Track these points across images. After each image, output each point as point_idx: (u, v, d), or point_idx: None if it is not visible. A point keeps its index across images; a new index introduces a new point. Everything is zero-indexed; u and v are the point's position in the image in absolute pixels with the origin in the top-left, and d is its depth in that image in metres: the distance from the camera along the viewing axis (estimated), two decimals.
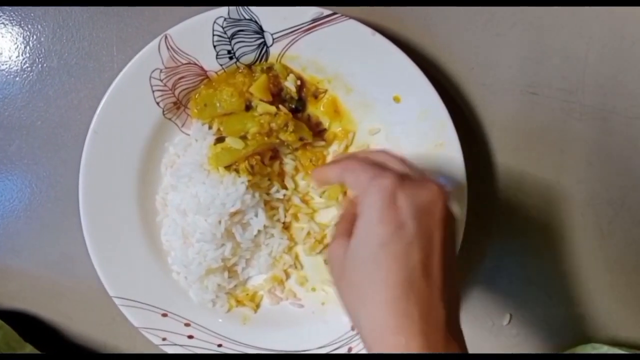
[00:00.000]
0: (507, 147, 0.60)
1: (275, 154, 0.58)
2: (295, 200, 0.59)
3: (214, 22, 0.53)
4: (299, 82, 0.56)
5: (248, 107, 0.55)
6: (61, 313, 0.62)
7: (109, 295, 0.56)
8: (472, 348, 0.63)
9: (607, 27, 0.58)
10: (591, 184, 0.60)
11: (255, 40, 0.54)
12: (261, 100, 0.55)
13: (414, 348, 0.36)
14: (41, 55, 0.59)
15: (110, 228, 0.56)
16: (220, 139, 0.56)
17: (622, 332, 0.62)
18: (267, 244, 0.59)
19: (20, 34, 0.58)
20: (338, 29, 0.53)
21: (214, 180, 0.55)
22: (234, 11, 0.53)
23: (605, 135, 0.59)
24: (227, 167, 0.55)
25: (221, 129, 0.56)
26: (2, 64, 0.59)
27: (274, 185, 0.58)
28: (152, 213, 0.58)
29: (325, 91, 0.57)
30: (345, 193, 0.58)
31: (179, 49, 0.53)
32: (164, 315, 0.57)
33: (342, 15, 0.53)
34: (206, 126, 0.57)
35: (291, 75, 0.56)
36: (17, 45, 0.59)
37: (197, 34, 0.53)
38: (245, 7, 0.53)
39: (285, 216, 0.59)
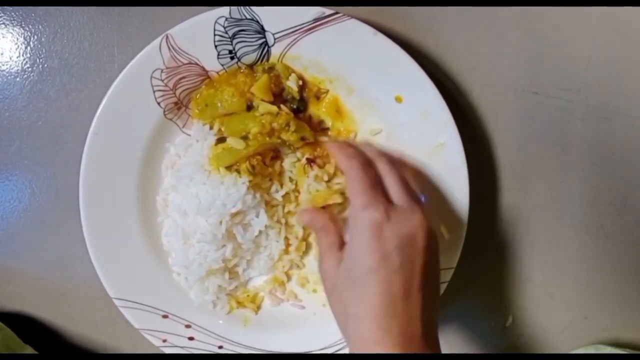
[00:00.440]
0: (509, 147, 0.59)
1: (276, 154, 0.58)
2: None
3: (215, 21, 0.53)
4: (300, 82, 0.56)
5: (249, 107, 0.55)
6: (61, 314, 0.62)
7: (109, 297, 0.56)
8: (474, 349, 0.63)
9: (610, 26, 0.58)
10: (594, 184, 0.60)
11: (256, 40, 0.54)
12: (262, 100, 0.55)
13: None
14: (42, 56, 0.58)
15: (110, 229, 0.56)
16: (221, 139, 0.55)
17: (626, 334, 0.62)
18: (266, 245, 0.59)
19: (21, 34, 0.58)
20: (339, 28, 0.53)
21: (214, 181, 0.54)
22: (235, 11, 0.53)
23: (608, 136, 0.59)
24: (228, 168, 0.55)
25: (222, 129, 0.56)
26: (3, 64, 0.59)
27: (274, 185, 0.58)
28: (152, 214, 0.58)
29: (327, 91, 0.57)
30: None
31: (180, 48, 0.53)
32: (165, 316, 0.57)
33: (343, 15, 0.53)
34: (207, 126, 0.56)
35: (293, 75, 0.56)
36: (18, 46, 0.59)
37: (198, 34, 0.53)
38: (247, 6, 0.52)
39: (282, 214, 0.59)
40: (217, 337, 0.58)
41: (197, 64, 0.54)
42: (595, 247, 0.61)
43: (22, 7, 0.58)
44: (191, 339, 0.58)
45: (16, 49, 0.59)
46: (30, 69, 0.59)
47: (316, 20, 0.53)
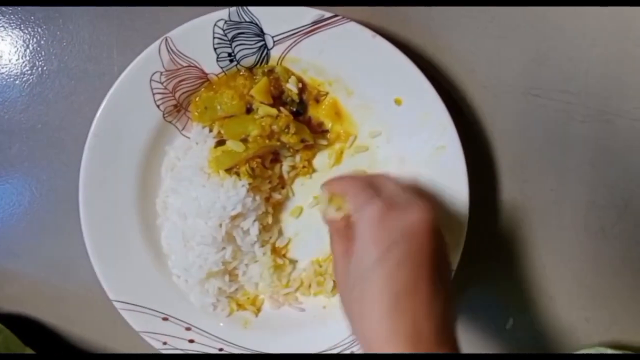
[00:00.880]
0: (509, 149, 0.59)
1: (276, 157, 0.58)
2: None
3: (215, 24, 0.53)
4: (300, 85, 0.56)
5: (249, 110, 0.55)
6: (61, 317, 0.62)
7: (109, 299, 0.56)
8: (475, 351, 0.63)
9: (610, 28, 0.57)
10: (594, 186, 0.60)
11: (255, 43, 0.54)
12: (262, 103, 0.54)
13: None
14: (41, 58, 0.58)
15: (110, 231, 0.56)
16: (220, 142, 0.55)
17: (626, 336, 0.62)
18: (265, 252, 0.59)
19: (20, 37, 0.58)
20: (339, 31, 0.53)
21: (214, 184, 0.54)
22: (234, 13, 0.53)
23: (608, 138, 0.59)
24: (228, 170, 0.55)
25: (222, 131, 0.56)
26: (2, 67, 0.59)
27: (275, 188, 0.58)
28: (152, 216, 0.58)
29: (326, 94, 0.57)
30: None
31: (179, 51, 0.53)
32: (165, 319, 0.57)
33: (342, 18, 0.52)
34: (207, 129, 0.56)
35: (293, 78, 0.55)
36: (17, 48, 0.59)
37: (197, 37, 0.53)
38: (246, 9, 0.52)
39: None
40: (218, 340, 0.58)
41: (196, 66, 0.54)
42: (596, 248, 0.61)
43: (21, 10, 0.58)
44: (191, 341, 0.58)
45: (15, 52, 0.59)
46: (29, 72, 0.59)
47: (315, 23, 0.53)
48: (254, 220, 0.56)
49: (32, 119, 0.59)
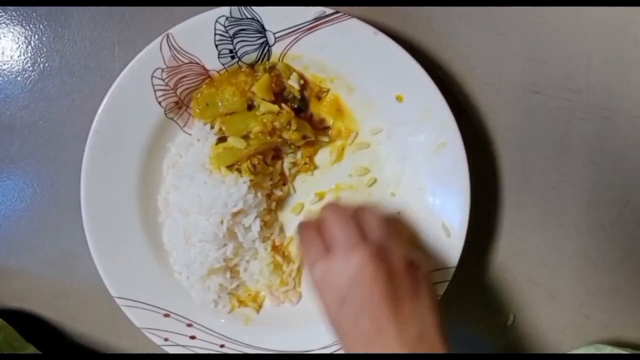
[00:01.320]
0: (510, 147, 0.59)
1: (277, 154, 0.58)
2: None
3: (216, 21, 0.53)
4: (301, 82, 0.56)
5: (250, 107, 0.55)
6: (63, 313, 0.62)
7: (111, 296, 0.56)
8: (476, 348, 0.63)
9: (610, 26, 0.57)
10: (595, 184, 0.60)
11: (257, 40, 0.54)
12: (263, 99, 0.54)
13: None
14: (43, 55, 0.59)
15: (112, 228, 0.56)
16: (222, 139, 0.55)
17: (626, 333, 0.62)
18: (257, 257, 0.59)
19: (22, 33, 0.58)
20: (340, 28, 0.53)
21: (215, 180, 0.54)
22: (235, 10, 0.53)
23: (609, 135, 0.59)
24: (229, 167, 0.55)
25: (223, 128, 0.56)
26: (4, 64, 0.59)
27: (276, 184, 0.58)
28: (153, 213, 0.58)
29: (328, 90, 0.57)
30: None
31: (180, 48, 0.53)
32: (166, 315, 0.57)
33: (344, 14, 0.52)
34: (208, 126, 0.56)
35: (294, 74, 0.55)
36: (19, 45, 0.59)
37: (199, 33, 0.53)
38: (247, 6, 0.52)
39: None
40: (219, 336, 0.58)
41: (197, 63, 0.54)
42: (597, 246, 0.61)
43: (24, 7, 0.58)
44: (193, 337, 0.58)
45: (17, 48, 0.59)
46: (31, 68, 0.59)
47: (317, 19, 0.53)
48: (256, 217, 0.56)
49: (33, 115, 0.59)
